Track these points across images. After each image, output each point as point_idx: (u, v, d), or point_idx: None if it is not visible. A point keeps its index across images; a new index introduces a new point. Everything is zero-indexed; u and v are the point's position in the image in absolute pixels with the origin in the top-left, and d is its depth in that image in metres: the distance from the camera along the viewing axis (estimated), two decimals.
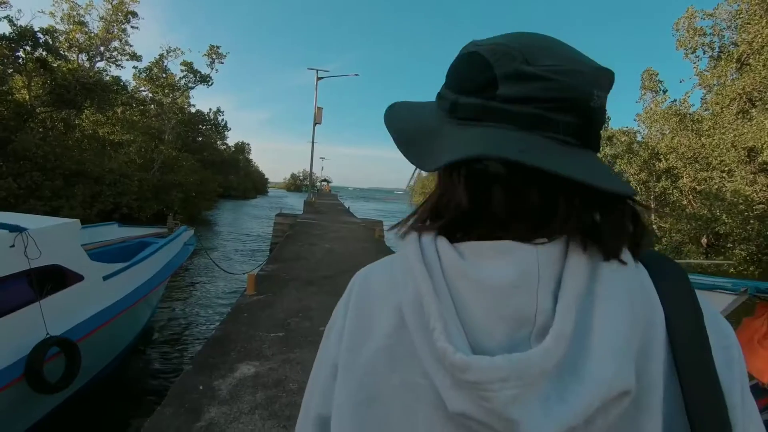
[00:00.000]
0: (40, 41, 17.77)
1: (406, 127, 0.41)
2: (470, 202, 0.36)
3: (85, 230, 5.05)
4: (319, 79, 21.93)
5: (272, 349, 3.40)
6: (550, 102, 0.34)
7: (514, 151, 0.32)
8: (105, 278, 3.59)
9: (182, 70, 27.52)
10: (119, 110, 22.23)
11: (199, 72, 28.08)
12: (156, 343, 5.50)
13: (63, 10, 20.87)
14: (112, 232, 5.55)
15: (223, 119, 39.36)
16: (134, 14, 22.10)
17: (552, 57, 0.35)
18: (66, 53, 20.27)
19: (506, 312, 0.32)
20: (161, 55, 25.96)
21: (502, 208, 0.36)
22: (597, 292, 0.32)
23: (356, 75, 22.60)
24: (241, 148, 64.99)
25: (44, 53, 18.23)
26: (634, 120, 25.71)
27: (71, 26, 20.67)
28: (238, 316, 4.13)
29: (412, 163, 0.38)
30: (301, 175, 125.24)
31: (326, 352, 0.43)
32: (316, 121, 22.81)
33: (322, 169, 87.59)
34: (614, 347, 0.30)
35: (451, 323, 0.32)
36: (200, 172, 24.33)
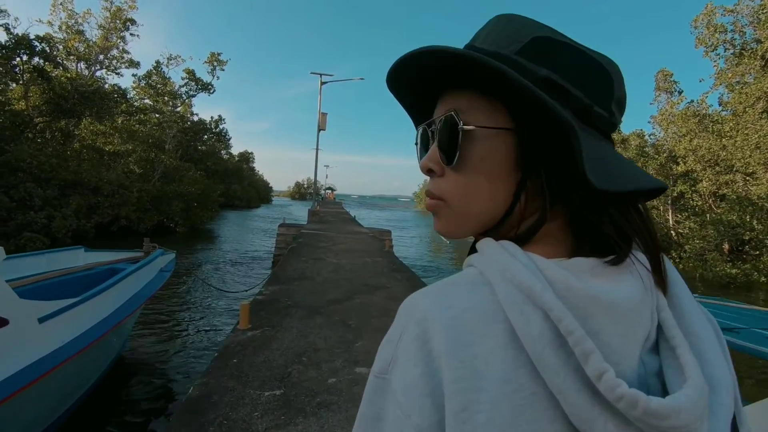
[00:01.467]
0: (37, 49, 17.24)
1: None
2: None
3: (43, 256, 4.19)
4: (323, 83, 21.19)
5: (265, 420, 2.52)
6: None
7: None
8: (41, 320, 2.68)
9: (183, 78, 27.12)
10: (119, 120, 21.67)
11: (201, 80, 27.66)
12: (111, 404, 3.97)
13: (61, 18, 20.43)
14: (77, 258, 4.62)
15: (224, 128, 38.96)
16: (133, 21, 21.65)
17: None
18: (64, 62, 19.76)
19: (637, 333, 0.31)
20: (158, 62, 25.52)
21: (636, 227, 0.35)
22: (675, 295, 0.34)
23: (361, 79, 21.36)
24: (246, 157, 64.61)
25: (42, 62, 17.69)
26: (648, 122, 24.79)
27: (69, 35, 20.20)
28: (225, 363, 3.27)
29: (588, 173, 0.30)
30: (305, 183, 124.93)
31: (395, 416, 0.31)
32: (321, 128, 22.02)
33: (327, 177, 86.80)
34: (714, 347, 0.32)
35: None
36: (201, 182, 23.64)
